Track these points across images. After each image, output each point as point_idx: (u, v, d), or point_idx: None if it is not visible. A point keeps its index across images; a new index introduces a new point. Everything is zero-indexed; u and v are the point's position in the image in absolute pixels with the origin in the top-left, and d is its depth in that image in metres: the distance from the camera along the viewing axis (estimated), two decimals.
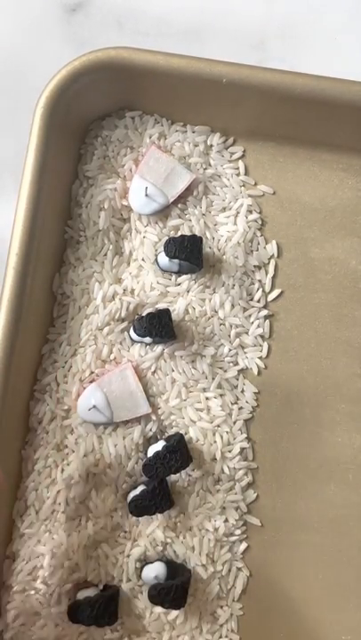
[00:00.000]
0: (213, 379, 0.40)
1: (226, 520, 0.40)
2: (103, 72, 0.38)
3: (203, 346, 0.40)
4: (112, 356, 0.40)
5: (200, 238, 0.39)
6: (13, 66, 0.45)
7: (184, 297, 0.41)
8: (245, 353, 0.41)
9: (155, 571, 0.38)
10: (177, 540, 0.39)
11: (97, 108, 0.41)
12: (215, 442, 0.40)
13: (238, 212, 0.42)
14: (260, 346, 0.41)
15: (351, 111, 0.39)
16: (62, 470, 0.39)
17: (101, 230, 0.40)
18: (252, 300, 0.41)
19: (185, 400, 0.40)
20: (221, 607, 0.39)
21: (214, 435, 0.40)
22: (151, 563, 0.38)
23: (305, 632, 0.39)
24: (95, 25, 0.46)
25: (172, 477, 0.39)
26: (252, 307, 0.41)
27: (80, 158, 0.42)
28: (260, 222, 0.42)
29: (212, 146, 0.42)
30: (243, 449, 0.40)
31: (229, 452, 0.40)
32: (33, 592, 0.38)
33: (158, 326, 0.38)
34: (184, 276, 0.41)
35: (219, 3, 0.46)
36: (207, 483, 0.39)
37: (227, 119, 0.41)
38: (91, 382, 0.39)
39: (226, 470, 0.40)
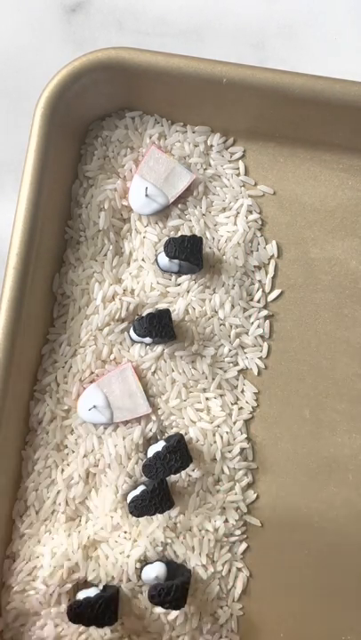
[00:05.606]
0: (213, 379, 0.40)
1: (226, 520, 0.40)
2: (103, 72, 0.38)
3: (203, 346, 0.40)
4: (112, 357, 0.40)
5: (200, 238, 0.39)
6: (13, 66, 0.45)
7: (184, 297, 0.40)
8: (245, 353, 0.41)
9: (155, 571, 0.38)
10: (177, 541, 0.39)
11: (97, 109, 0.41)
12: (215, 442, 0.40)
13: (238, 213, 0.42)
14: (260, 346, 0.41)
15: (351, 111, 0.39)
16: (62, 470, 0.39)
17: (101, 230, 0.40)
18: (252, 300, 0.41)
19: (185, 400, 0.40)
20: (221, 607, 0.39)
21: (214, 435, 0.40)
22: (151, 563, 0.38)
23: (305, 632, 0.39)
24: (95, 25, 0.46)
25: (172, 477, 0.39)
26: (252, 307, 0.41)
27: (80, 158, 0.42)
28: (260, 222, 0.42)
29: (212, 146, 0.42)
30: (243, 449, 0.40)
31: (229, 452, 0.40)
32: (33, 592, 0.38)
33: (158, 326, 0.38)
34: (184, 277, 0.40)
35: (219, 2, 0.46)
36: (207, 483, 0.39)
37: (227, 119, 0.41)
38: (91, 382, 0.39)
39: (226, 470, 0.40)
